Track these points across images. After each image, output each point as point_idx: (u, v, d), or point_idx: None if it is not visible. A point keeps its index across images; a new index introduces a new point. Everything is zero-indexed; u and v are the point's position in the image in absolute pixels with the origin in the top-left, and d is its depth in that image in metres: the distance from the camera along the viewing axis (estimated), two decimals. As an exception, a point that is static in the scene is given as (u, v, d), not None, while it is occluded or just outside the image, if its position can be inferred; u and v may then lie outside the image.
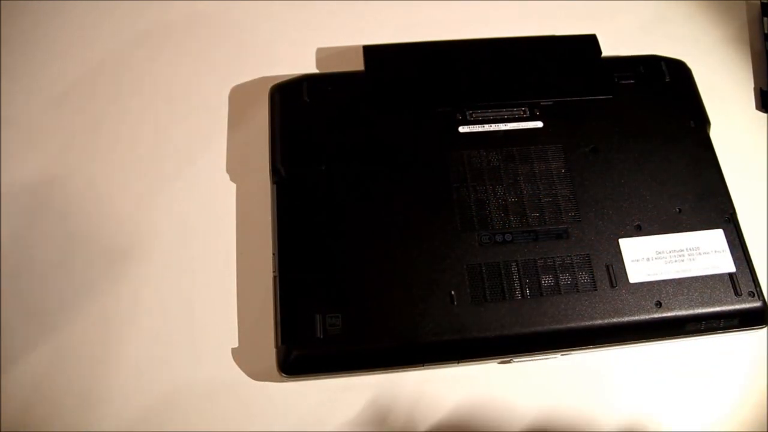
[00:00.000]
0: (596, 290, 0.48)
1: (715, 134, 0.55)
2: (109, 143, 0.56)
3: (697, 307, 0.48)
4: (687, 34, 0.65)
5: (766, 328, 0.49)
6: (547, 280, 0.48)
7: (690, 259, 0.49)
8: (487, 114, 0.54)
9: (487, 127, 0.53)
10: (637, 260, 0.49)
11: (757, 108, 0.61)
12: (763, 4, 0.66)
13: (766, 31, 0.65)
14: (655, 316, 0.47)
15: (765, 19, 0.66)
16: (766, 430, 0.41)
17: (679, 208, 0.51)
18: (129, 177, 0.55)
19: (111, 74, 0.60)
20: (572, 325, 0.47)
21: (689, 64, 0.58)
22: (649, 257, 0.49)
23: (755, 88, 0.62)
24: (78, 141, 0.56)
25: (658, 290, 0.48)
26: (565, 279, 0.48)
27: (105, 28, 0.62)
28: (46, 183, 0.54)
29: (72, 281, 0.51)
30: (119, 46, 0.61)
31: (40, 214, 0.53)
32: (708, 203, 0.51)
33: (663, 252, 0.49)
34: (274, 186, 0.50)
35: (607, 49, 0.58)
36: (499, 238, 0.49)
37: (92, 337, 0.49)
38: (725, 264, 0.49)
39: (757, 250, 0.51)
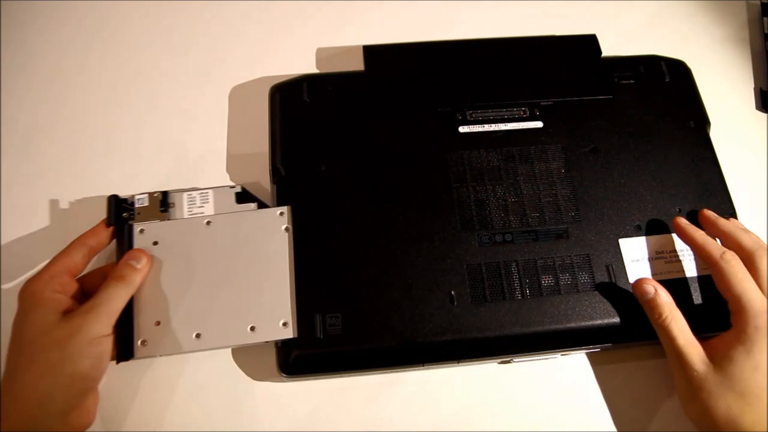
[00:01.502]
0: (596, 290, 0.48)
1: (715, 134, 0.55)
2: (109, 144, 0.56)
3: (697, 306, 0.48)
4: (687, 34, 0.65)
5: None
6: (547, 280, 0.48)
7: (690, 259, 0.49)
8: (487, 114, 0.54)
9: (487, 127, 0.53)
10: (637, 260, 0.49)
11: (757, 108, 0.61)
12: (763, 4, 0.66)
13: (766, 31, 0.65)
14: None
15: (765, 19, 0.66)
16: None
17: (679, 208, 0.51)
18: (129, 177, 0.55)
19: (111, 75, 0.60)
20: (572, 325, 0.47)
21: (689, 64, 0.58)
22: (649, 257, 0.49)
23: (755, 88, 0.62)
24: (78, 141, 0.56)
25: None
26: (565, 279, 0.48)
27: (105, 29, 0.62)
28: (46, 182, 0.54)
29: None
30: (119, 47, 0.61)
31: (40, 214, 0.53)
32: (708, 203, 0.51)
33: (663, 252, 0.49)
34: (274, 186, 0.50)
35: (607, 49, 0.58)
36: (499, 238, 0.49)
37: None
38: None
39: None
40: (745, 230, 0.48)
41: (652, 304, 0.45)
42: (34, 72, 0.59)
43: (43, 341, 0.40)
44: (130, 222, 0.48)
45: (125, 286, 0.44)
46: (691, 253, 0.49)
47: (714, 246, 0.46)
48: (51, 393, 0.39)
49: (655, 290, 0.45)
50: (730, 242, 0.47)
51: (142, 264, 0.46)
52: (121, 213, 0.49)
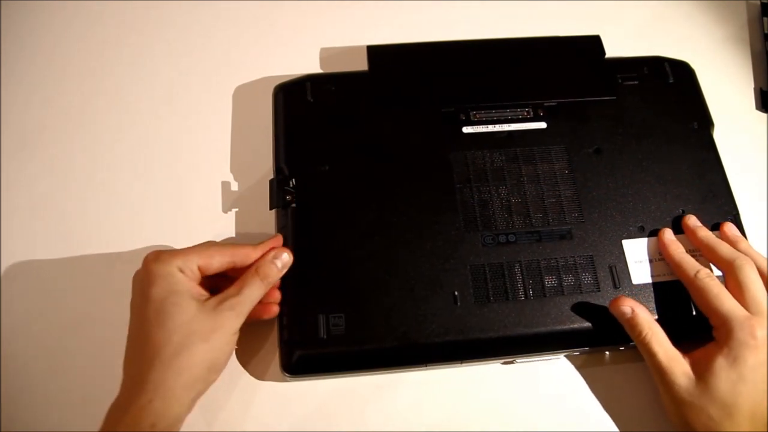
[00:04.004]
0: (599, 291, 0.48)
1: (716, 134, 0.55)
2: (111, 144, 0.56)
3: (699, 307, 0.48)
4: (687, 35, 0.65)
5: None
6: (550, 281, 0.48)
7: (692, 260, 0.49)
8: (491, 114, 0.54)
9: (490, 128, 0.53)
10: (641, 261, 0.49)
11: (757, 108, 0.62)
12: (763, 4, 0.67)
13: (766, 31, 0.65)
14: (657, 317, 0.47)
15: (765, 19, 0.66)
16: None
17: (682, 210, 0.51)
18: (132, 177, 0.55)
19: (114, 75, 0.59)
20: (575, 326, 0.47)
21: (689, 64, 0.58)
22: (653, 258, 0.49)
23: (755, 88, 0.63)
24: (79, 142, 0.56)
25: (660, 291, 0.48)
26: (568, 280, 0.48)
27: (108, 29, 0.62)
28: (46, 183, 0.54)
29: (71, 281, 0.51)
30: (122, 47, 0.61)
31: (41, 215, 0.53)
32: (711, 205, 0.51)
33: (666, 253, 0.49)
34: (277, 185, 0.50)
35: (608, 50, 0.58)
36: (502, 238, 0.49)
37: (94, 338, 0.49)
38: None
39: (757, 249, 0.51)
40: (738, 239, 0.49)
41: (632, 323, 0.45)
42: (35, 72, 0.59)
43: (188, 331, 0.40)
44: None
45: (265, 286, 0.44)
46: (694, 254, 0.49)
47: (689, 264, 0.46)
48: (193, 383, 0.40)
49: (632, 309, 0.45)
50: (709, 253, 0.48)
51: (284, 263, 0.46)
52: (284, 196, 0.49)
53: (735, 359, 0.42)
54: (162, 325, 0.40)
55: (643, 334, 0.44)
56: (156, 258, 0.43)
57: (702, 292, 0.44)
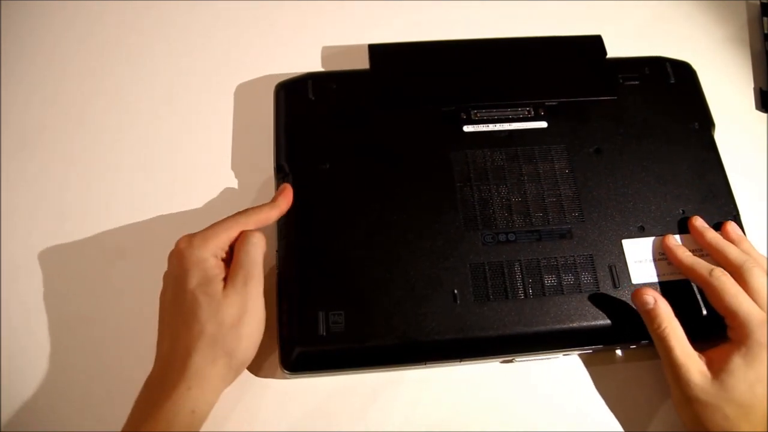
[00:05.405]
0: (599, 291, 0.48)
1: (715, 134, 0.55)
2: (111, 144, 0.56)
3: (700, 308, 0.48)
4: (687, 35, 0.65)
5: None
6: (549, 280, 0.48)
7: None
8: (492, 114, 0.54)
9: (491, 127, 0.53)
10: (640, 261, 0.49)
11: (757, 108, 0.62)
12: (763, 4, 0.67)
13: (766, 31, 0.65)
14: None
15: (765, 19, 0.66)
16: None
17: (682, 210, 0.51)
18: (132, 177, 0.55)
19: (114, 75, 0.60)
20: (574, 325, 0.47)
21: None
22: (652, 258, 0.49)
23: (755, 88, 0.63)
24: (79, 142, 0.56)
25: (660, 291, 0.48)
26: (567, 279, 0.48)
27: (108, 29, 0.62)
28: (46, 183, 0.54)
29: (71, 281, 0.51)
30: (123, 47, 0.61)
31: (41, 215, 0.53)
32: (711, 205, 0.51)
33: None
34: (278, 183, 0.50)
35: (611, 50, 0.58)
36: (502, 237, 0.49)
37: (94, 338, 0.49)
38: (728, 265, 0.49)
39: (758, 249, 0.51)
40: (741, 239, 0.49)
41: (652, 314, 0.45)
42: (35, 72, 0.59)
43: (220, 321, 0.41)
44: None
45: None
46: (695, 254, 0.49)
47: (701, 266, 0.46)
48: (227, 373, 0.42)
49: (655, 300, 0.45)
50: (718, 256, 0.47)
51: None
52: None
53: (753, 359, 0.42)
54: (196, 315, 0.41)
55: (662, 327, 0.44)
56: (189, 244, 0.43)
57: (719, 292, 0.44)
